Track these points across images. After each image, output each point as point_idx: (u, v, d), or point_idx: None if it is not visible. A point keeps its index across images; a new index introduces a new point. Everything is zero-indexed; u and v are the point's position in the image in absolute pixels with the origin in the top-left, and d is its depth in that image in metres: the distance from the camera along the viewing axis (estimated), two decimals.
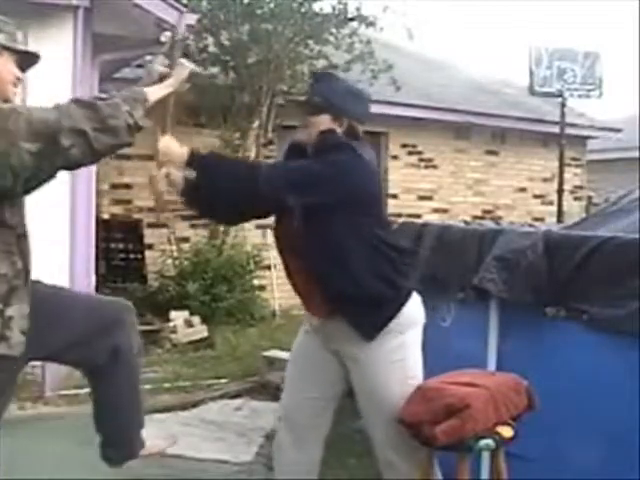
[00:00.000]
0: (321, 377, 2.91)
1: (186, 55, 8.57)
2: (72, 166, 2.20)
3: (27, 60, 2.38)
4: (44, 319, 2.33)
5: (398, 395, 2.72)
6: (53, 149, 2.04)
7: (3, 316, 2.18)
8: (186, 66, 2.55)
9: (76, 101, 2.15)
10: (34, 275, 2.39)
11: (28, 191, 2.19)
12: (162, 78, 2.50)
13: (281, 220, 2.80)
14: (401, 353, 2.75)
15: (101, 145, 2.12)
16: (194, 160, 2.60)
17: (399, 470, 2.81)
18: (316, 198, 2.60)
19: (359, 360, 2.77)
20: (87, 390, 2.73)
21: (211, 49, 8.62)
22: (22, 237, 2.27)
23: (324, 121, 2.77)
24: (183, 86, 2.57)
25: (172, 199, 2.74)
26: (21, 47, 2.32)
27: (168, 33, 6.40)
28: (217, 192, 2.60)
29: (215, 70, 8.63)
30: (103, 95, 2.22)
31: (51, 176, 2.16)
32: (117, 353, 2.53)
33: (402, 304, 2.75)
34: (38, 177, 2.10)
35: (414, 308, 2.81)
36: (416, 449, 2.77)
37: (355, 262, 2.66)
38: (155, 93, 2.38)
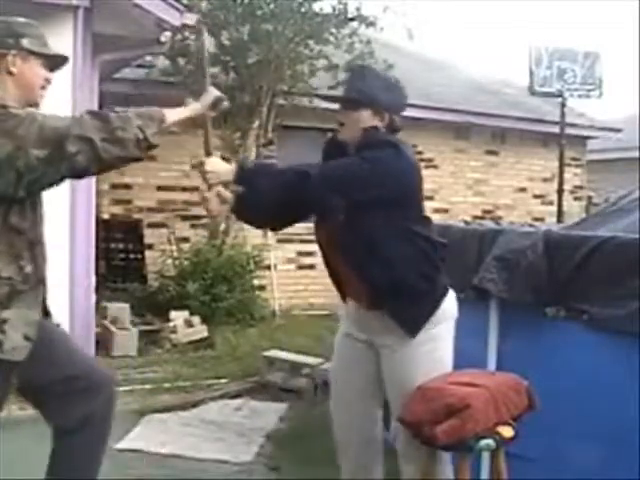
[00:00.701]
0: (362, 368, 2.91)
1: (185, 55, 8.63)
2: (77, 173, 2.23)
3: (55, 61, 2.44)
4: (45, 350, 2.35)
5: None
6: (59, 154, 2.09)
7: (1, 317, 2.19)
8: (212, 93, 2.60)
9: (90, 112, 2.21)
10: None
11: (30, 194, 2.22)
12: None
13: (323, 216, 2.80)
14: (431, 345, 2.78)
15: (108, 155, 2.16)
16: (241, 175, 2.60)
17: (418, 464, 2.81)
18: (362, 196, 2.60)
19: (392, 349, 2.79)
20: None
21: (211, 49, 8.62)
22: (35, 243, 2.31)
23: (365, 117, 2.73)
24: (209, 112, 2.61)
25: (170, 199, 2.76)
26: (47, 51, 2.37)
27: (168, 33, 6.41)
28: (267, 203, 2.61)
29: (215, 70, 8.63)
30: (120, 110, 2.26)
31: (55, 181, 2.21)
32: (88, 420, 2.49)
33: (440, 299, 2.79)
34: (41, 182, 2.15)
35: (450, 303, 2.84)
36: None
37: (395, 257, 2.68)
38: (175, 115, 2.40)
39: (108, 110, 2.28)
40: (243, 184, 2.59)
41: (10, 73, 2.28)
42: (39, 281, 2.33)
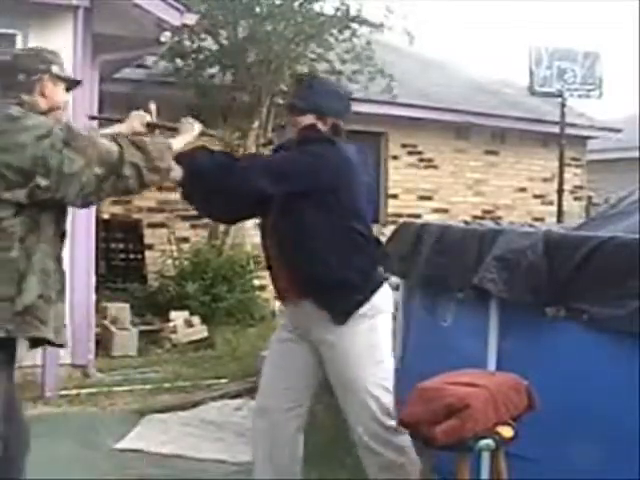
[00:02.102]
0: (296, 367, 3.02)
1: (182, 56, 8.62)
2: (126, 192, 2.62)
3: (71, 85, 2.77)
4: None
5: (369, 376, 2.87)
6: (116, 176, 2.46)
7: (56, 311, 2.53)
8: (192, 123, 2.95)
9: (131, 140, 2.56)
10: None
11: (84, 205, 2.59)
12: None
13: (264, 212, 2.95)
14: (371, 337, 2.90)
15: (149, 180, 2.56)
16: (181, 158, 2.74)
17: (378, 455, 2.91)
18: (293, 186, 2.78)
19: (331, 343, 2.90)
20: (88, 390, 2.75)
21: (211, 49, 8.62)
22: (62, 246, 2.64)
23: (309, 120, 2.97)
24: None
25: (170, 199, 2.86)
26: (71, 76, 2.75)
27: (168, 33, 6.40)
28: (205, 186, 2.78)
29: (215, 70, 8.64)
30: (143, 140, 2.59)
31: (106, 196, 2.60)
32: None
33: (372, 291, 2.91)
34: (95, 195, 2.50)
35: (384, 296, 2.98)
36: (393, 434, 2.87)
37: (325, 248, 2.83)
38: (177, 144, 2.77)
39: (135, 136, 2.65)
40: (182, 167, 2.73)
41: (43, 95, 2.59)
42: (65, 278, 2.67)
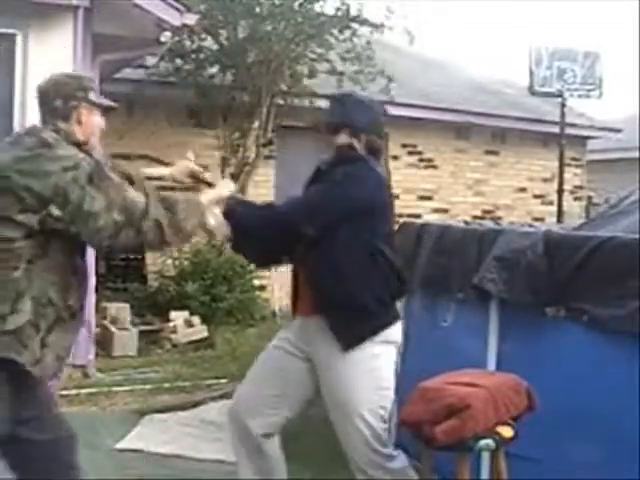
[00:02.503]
0: (286, 377, 3.00)
1: (182, 56, 8.61)
2: (144, 247, 2.62)
3: (106, 110, 2.75)
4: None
5: (364, 402, 2.81)
6: (135, 229, 2.44)
7: (42, 342, 2.45)
8: (228, 183, 2.99)
9: (161, 197, 2.55)
10: None
11: (101, 248, 2.62)
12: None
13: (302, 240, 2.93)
14: (372, 363, 2.83)
15: (169, 240, 2.53)
16: (227, 214, 2.78)
17: (371, 477, 2.86)
18: (330, 218, 2.79)
19: (331, 364, 2.86)
20: (88, 390, 2.74)
21: (211, 49, 8.62)
22: (82, 280, 2.61)
23: (342, 138, 2.94)
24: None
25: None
26: (105, 102, 2.73)
27: (168, 33, 6.40)
28: (250, 242, 2.88)
29: (215, 70, 8.64)
30: (174, 197, 2.58)
31: (124, 247, 2.54)
32: None
33: (385, 324, 2.86)
34: (110, 239, 2.45)
35: (395, 330, 2.92)
36: (386, 459, 2.83)
37: (351, 271, 2.80)
38: (207, 199, 2.76)
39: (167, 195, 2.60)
40: (230, 221, 2.78)
41: (79, 122, 2.58)
42: (77, 312, 2.60)
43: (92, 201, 2.39)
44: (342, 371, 2.84)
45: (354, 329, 2.82)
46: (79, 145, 2.55)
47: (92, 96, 2.63)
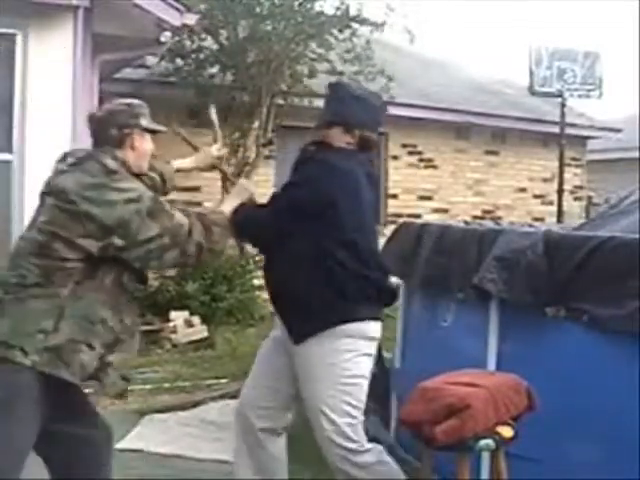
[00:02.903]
0: (280, 370, 3.07)
1: (182, 56, 8.61)
2: (182, 265, 2.91)
3: (156, 132, 2.86)
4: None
5: (324, 397, 2.85)
6: (180, 250, 2.57)
7: (102, 360, 2.58)
8: (248, 188, 3.05)
9: (200, 218, 2.66)
10: None
11: (143, 268, 2.70)
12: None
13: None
14: (333, 358, 2.85)
15: (204, 259, 2.69)
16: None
17: (340, 470, 2.90)
18: (286, 222, 2.86)
19: (297, 357, 2.94)
20: (87, 390, 2.75)
21: (211, 49, 8.62)
22: (133, 300, 2.71)
23: (336, 134, 2.94)
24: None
25: (171, 199, 2.88)
26: (158, 128, 2.84)
27: (168, 33, 6.40)
28: (246, 239, 3.27)
29: (215, 70, 8.64)
30: (210, 222, 2.69)
31: (167, 266, 2.73)
32: None
33: (337, 321, 2.86)
34: (160, 263, 2.62)
35: (361, 325, 2.90)
36: (350, 453, 2.85)
37: (297, 271, 2.88)
38: (227, 208, 2.89)
39: (205, 216, 2.71)
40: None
41: (132, 148, 2.71)
42: (135, 331, 2.74)
43: (147, 231, 2.52)
44: (300, 366, 2.92)
45: (299, 325, 2.90)
46: (136, 175, 2.70)
47: (143, 122, 2.76)
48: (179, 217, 2.61)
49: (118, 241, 2.50)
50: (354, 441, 2.85)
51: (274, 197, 3.03)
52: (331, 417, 2.85)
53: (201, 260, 2.68)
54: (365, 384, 2.92)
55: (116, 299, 2.61)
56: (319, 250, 2.83)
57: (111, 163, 2.59)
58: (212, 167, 3.31)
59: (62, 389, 2.53)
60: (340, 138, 2.93)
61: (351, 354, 2.87)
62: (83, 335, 2.52)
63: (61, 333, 2.48)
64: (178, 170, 3.19)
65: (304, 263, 2.85)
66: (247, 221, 2.93)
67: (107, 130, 2.68)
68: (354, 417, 2.87)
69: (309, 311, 2.88)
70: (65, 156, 2.73)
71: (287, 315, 2.98)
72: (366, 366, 2.93)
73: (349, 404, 2.86)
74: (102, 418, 2.88)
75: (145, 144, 2.77)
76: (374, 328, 2.95)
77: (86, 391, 2.76)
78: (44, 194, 2.63)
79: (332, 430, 2.85)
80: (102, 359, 2.58)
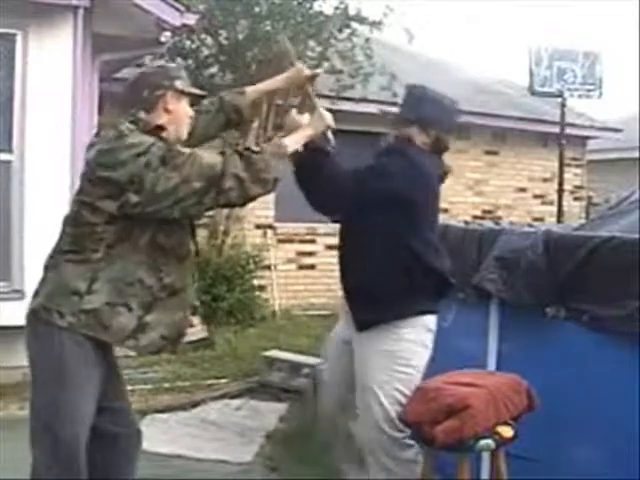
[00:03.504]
0: (341, 364, 3.11)
1: (182, 56, 8.60)
2: (229, 204, 2.70)
3: (196, 98, 2.84)
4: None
5: (378, 382, 2.88)
6: (216, 188, 2.48)
7: (140, 320, 2.58)
8: (324, 118, 2.83)
9: (236, 151, 2.56)
10: (36, 275, 2.66)
11: (183, 217, 2.63)
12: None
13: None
14: (395, 345, 2.90)
15: (253, 192, 2.56)
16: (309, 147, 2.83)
17: (377, 460, 2.90)
18: (366, 201, 2.87)
19: (359, 344, 2.97)
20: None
21: (211, 49, 8.62)
22: (180, 259, 2.71)
23: (413, 132, 3.05)
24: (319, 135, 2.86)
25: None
26: (193, 90, 2.78)
27: (168, 33, 6.40)
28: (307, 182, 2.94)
29: (214, 70, 8.63)
30: (256, 148, 2.60)
31: (207, 209, 2.62)
32: None
33: (407, 313, 2.92)
34: (196, 208, 2.55)
35: (424, 318, 2.97)
36: (394, 444, 2.86)
37: (374, 259, 2.90)
38: (294, 144, 2.75)
39: (246, 148, 2.60)
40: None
41: (167, 111, 2.63)
42: (179, 290, 2.73)
43: (167, 181, 2.44)
44: (360, 352, 2.95)
45: (367, 313, 2.92)
46: (157, 129, 2.60)
47: (179, 84, 2.68)
48: (207, 157, 2.51)
49: (133, 197, 2.46)
50: (400, 431, 2.87)
51: (356, 175, 2.97)
52: (382, 402, 2.87)
53: (249, 195, 2.55)
54: (419, 377, 2.95)
55: (153, 259, 2.58)
56: (398, 242, 2.89)
57: (125, 127, 2.54)
58: (300, 88, 3.06)
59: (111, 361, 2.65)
60: (417, 137, 3.04)
61: (412, 344, 2.93)
62: (120, 297, 2.54)
63: (97, 296, 2.51)
64: (267, 93, 3.08)
65: (382, 253, 2.89)
66: (325, 181, 2.88)
67: (139, 92, 2.63)
68: (403, 406, 2.89)
69: (380, 300, 2.91)
70: (98, 131, 2.74)
71: (357, 302, 2.98)
72: (423, 358, 2.99)
73: (401, 393, 2.89)
74: (134, 416, 2.91)
75: (181, 107, 2.68)
76: (434, 321, 3.03)
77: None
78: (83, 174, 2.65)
79: (382, 417, 2.86)
80: (140, 320, 2.58)
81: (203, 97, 2.91)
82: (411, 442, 2.87)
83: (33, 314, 2.57)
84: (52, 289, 2.54)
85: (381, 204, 2.86)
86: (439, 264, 3.00)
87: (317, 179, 2.89)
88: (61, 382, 2.52)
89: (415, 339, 2.93)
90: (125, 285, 2.55)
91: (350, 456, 3.17)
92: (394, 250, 2.89)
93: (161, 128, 2.61)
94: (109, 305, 2.52)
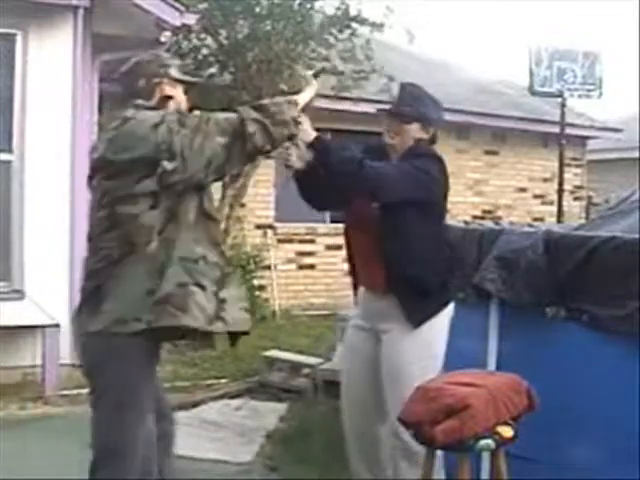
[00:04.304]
0: (367, 358, 3.13)
1: (181, 56, 8.60)
2: (258, 151, 2.57)
3: (189, 86, 2.79)
4: None
5: (417, 370, 2.93)
6: (242, 139, 2.45)
7: (217, 298, 2.49)
8: (313, 82, 2.90)
9: (245, 107, 2.56)
10: (36, 275, 2.51)
11: (220, 178, 2.61)
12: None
13: (357, 201, 3.02)
14: (429, 335, 3.00)
15: (277, 134, 2.53)
16: (319, 142, 2.80)
17: (410, 454, 2.94)
18: (406, 194, 2.91)
19: (392, 335, 3.01)
20: (88, 390, 2.75)
21: (211, 49, 8.61)
22: (219, 227, 2.62)
23: (415, 129, 3.14)
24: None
25: None
26: (190, 78, 2.79)
27: (168, 33, 6.40)
28: (330, 171, 2.81)
29: (214, 70, 8.63)
30: (265, 101, 2.61)
31: (238, 163, 2.57)
32: None
33: (447, 301, 3.06)
34: (228, 164, 2.50)
35: (450, 307, 3.10)
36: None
37: (422, 254, 2.98)
38: (302, 99, 2.74)
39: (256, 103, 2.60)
40: (317, 150, 2.79)
41: (166, 98, 2.62)
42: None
43: (191, 142, 2.42)
44: (404, 340, 2.98)
45: (422, 307, 2.98)
46: (165, 99, 2.61)
47: (173, 72, 2.66)
48: (221, 114, 2.52)
49: (168, 165, 2.40)
50: None
51: (392, 167, 3.03)
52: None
53: (275, 137, 2.52)
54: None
55: (208, 232, 2.53)
56: (434, 236, 3.03)
57: (129, 112, 2.52)
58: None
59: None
60: (417, 134, 3.14)
61: (441, 331, 3.05)
62: (189, 276, 2.44)
63: (166, 283, 2.41)
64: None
65: (426, 243, 2.99)
66: (353, 169, 2.82)
67: (135, 82, 2.60)
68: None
69: (432, 292, 2.99)
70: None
71: (408, 295, 2.99)
72: (444, 342, 3.10)
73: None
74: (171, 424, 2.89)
75: (177, 95, 2.67)
76: (452, 307, 3.13)
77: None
78: (90, 178, 2.59)
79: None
80: (216, 296, 2.49)
81: (195, 84, 2.89)
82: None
83: (103, 332, 2.46)
84: (122, 300, 2.44)
85: (417, 201, 2.94)
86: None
87: (352, 170, 2.84)
88: (138, 397, 2.57)
89: (443, 330, 3.06)
90: (190, 263, 2.45)
91: (370, 457, 3.17)
92: (435, 246, 3.03)
93: (169, 97, 2.61)
94: (181, 286, 2.42)
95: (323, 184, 2.86)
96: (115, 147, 2.45)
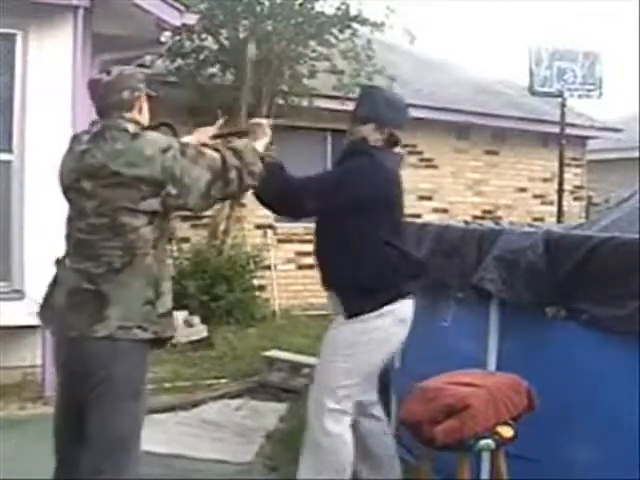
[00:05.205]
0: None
1: (182, 56, 8.60)
2: (229, 196, 2.84)
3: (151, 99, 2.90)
4: None
5: (325, 366, 3.16)
6: (223, 181, 2.63)
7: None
8: (262, 126, 3.03)
9: (228, 147, 2.74)
10: (36, 275, 2.57)
11: (200, 210, 2.77)
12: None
13: (306, 216, 3.34)
14: (364, 333, 3.10)
15: (247, 184, 2.73)
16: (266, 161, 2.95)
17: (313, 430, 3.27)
18: (329, 203, 3.08)
19: (333, 327, 3.24)
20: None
21: (211, 49, 8.62)
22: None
23: (368, 130, 3.22)
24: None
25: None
26: (153, 93, 2.87)
27: (168, 33, 6.40)
28: (266, 196, 3.13)
29: (215, 70, 8.64)
30: (238, 147, 2.76)
31: (215, 201, 2.72)
32: None
33: (388, 300, 3.11)
34: (208, 201, 2.66)
35: (402, 307, 3.17)
36: (334, 420, 3.14)
37: (352, 255, 3.09)
38: (259, 146, 2.89)
39: (233, 145, 2.77)
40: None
41: (140, 112, 2.75)
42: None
43: (189, 172, 2.57)
44: (336, 331, 3.19)
45: (356, 303, 3.10)
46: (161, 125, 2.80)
47: (146, 89, 2.80)
48: (209, 152, 2.66)
49: (172, 190, 2.55)
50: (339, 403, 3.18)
51: (313, 179, 3.22)
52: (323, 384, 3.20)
53: (244, 186, 2.72)
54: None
55: (165, 249, 2.74)
56: (368, 237, 3.10)
57: (130, 127, 2.62)
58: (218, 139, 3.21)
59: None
60: (371, 134, 3.21)
61: (384, 336, 3.14)
62: (170, 292, 2.68)
63: (166, 297, 2.62)
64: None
65: (355, 243, 3.09)
66: (282, 189, 3.07)
67: (119, 93, 2.67)
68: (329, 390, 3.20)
69: (364, 289, 3.10)
70: (75, 137, 2.78)
71: (341, 294, 3.17)
72: (394, 341, 3.25)
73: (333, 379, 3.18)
74: None
75: (146, 109, 2.80)
76: (409, 304, 3.22)
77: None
78: (76, 181, 2.65)
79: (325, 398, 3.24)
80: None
81: (157, 97, 2.97)
82: (345, 419, 3.13)
83: (109, 338, 2.53)
84: (123, 307, 2.54)
85: (349, 204, 3.06)
86: (409, 250, 3.28)
87: (279, 189, 3.07)
88: (140, 398, 2.62)
89: (384, 331, 3.13)
90: (169, 281, 2.68)
91: (363, 455, 3.28)
92: (376, 245, 3.10)
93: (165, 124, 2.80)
94: (171, 300, 2.66)
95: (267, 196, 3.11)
96: (121, 161, 2.53)
